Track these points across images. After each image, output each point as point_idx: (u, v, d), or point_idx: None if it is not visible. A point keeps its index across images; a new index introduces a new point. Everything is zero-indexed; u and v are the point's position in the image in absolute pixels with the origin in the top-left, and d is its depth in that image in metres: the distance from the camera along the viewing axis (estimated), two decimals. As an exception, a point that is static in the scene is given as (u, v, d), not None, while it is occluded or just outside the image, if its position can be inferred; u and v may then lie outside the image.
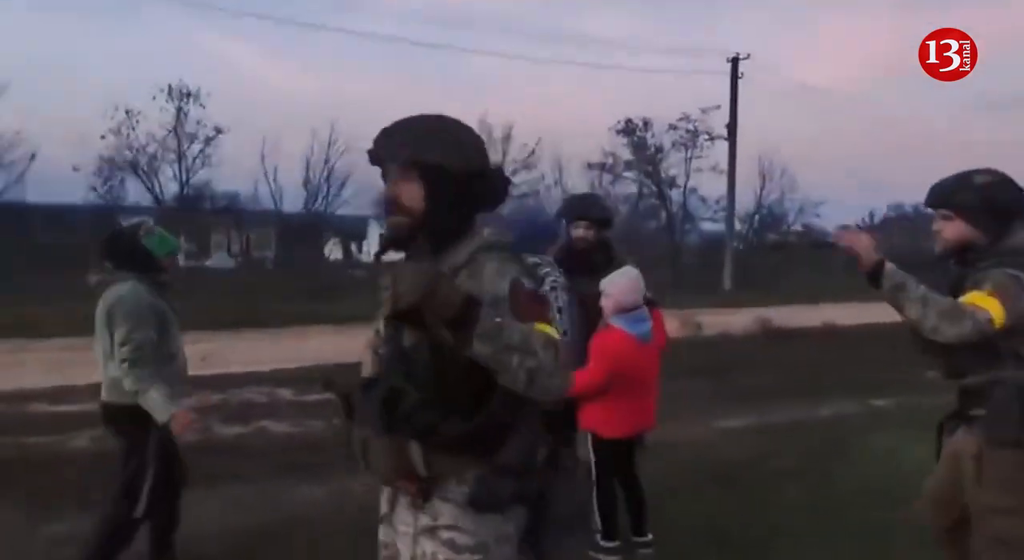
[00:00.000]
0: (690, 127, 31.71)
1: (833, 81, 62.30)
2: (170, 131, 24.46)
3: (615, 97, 65.89)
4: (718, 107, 30.17)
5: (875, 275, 2.60)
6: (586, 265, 4.08)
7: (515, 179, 28.10)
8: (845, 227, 2.76)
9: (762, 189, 35.80)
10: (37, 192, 35.54)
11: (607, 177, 33.48)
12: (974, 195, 2.72)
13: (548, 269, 3.70)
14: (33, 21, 51.51)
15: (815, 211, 35.27)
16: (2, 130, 22.72)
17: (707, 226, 35.41)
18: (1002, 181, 2.75)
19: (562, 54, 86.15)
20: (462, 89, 52.05)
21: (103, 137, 23.80)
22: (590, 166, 33.11)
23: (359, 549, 4.02)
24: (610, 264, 4.13)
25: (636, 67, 64.32)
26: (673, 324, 13.38)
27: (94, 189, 24.85)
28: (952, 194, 2.78)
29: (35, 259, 22.52)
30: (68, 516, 4.61)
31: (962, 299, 2.57)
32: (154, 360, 3.44)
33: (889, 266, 2.59)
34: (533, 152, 28.16)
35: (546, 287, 3.68)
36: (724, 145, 30.10)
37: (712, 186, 32.95)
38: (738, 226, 33.70)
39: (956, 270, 2.81)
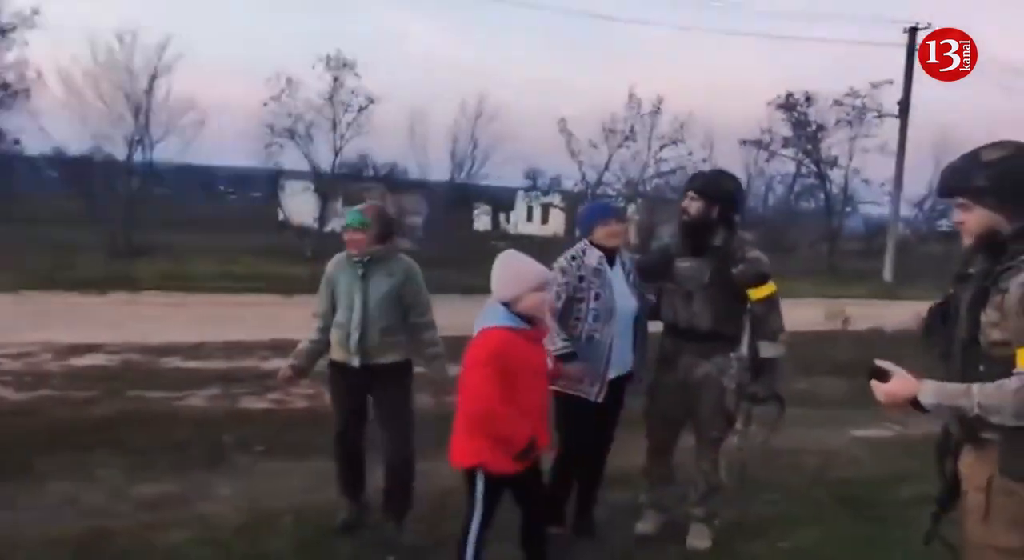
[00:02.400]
0: (857, 103, 29.52)
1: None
2: (326, 99, 25.32)
3: (777, 69, 62.69)
4: (891, 82, 27.91)
5: (922, 409, 2.11)
6: (690, 242, 3.89)
7: (663, 155, 27.20)
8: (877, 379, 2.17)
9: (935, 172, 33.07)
10: (205, 156, 38.15)
11: (762, 154, 31.87)
12: (985, 175, 2.17)
13: (573, 253, 3.84)
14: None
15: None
16: (175, 96, 24.08)
17: (870, 210, 33.04)
18: (1017, 153, 2.18)
19: (719, 23, 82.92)
20: (615, 61, 51.11)
21: (265, 104, 24.88)
22: (744, 143, 31.58)
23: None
24: (724, 246, 3.82)
25: (803, 37, 60.88)
26: (818, 315, 12.63)
27: (255, 155, 26.10)
28: (962, 178, 2.23)
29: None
30: (164, 478, 4.68)
31: None
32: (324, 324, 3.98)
33: (928, 399, 2.09)
34: (683, 126, 27.02)
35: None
36: (894, 123, 27.83)
37: (878, 168, 30.54)
38: (905, 212, 31.23)
39: (983, 265, 2.23)
